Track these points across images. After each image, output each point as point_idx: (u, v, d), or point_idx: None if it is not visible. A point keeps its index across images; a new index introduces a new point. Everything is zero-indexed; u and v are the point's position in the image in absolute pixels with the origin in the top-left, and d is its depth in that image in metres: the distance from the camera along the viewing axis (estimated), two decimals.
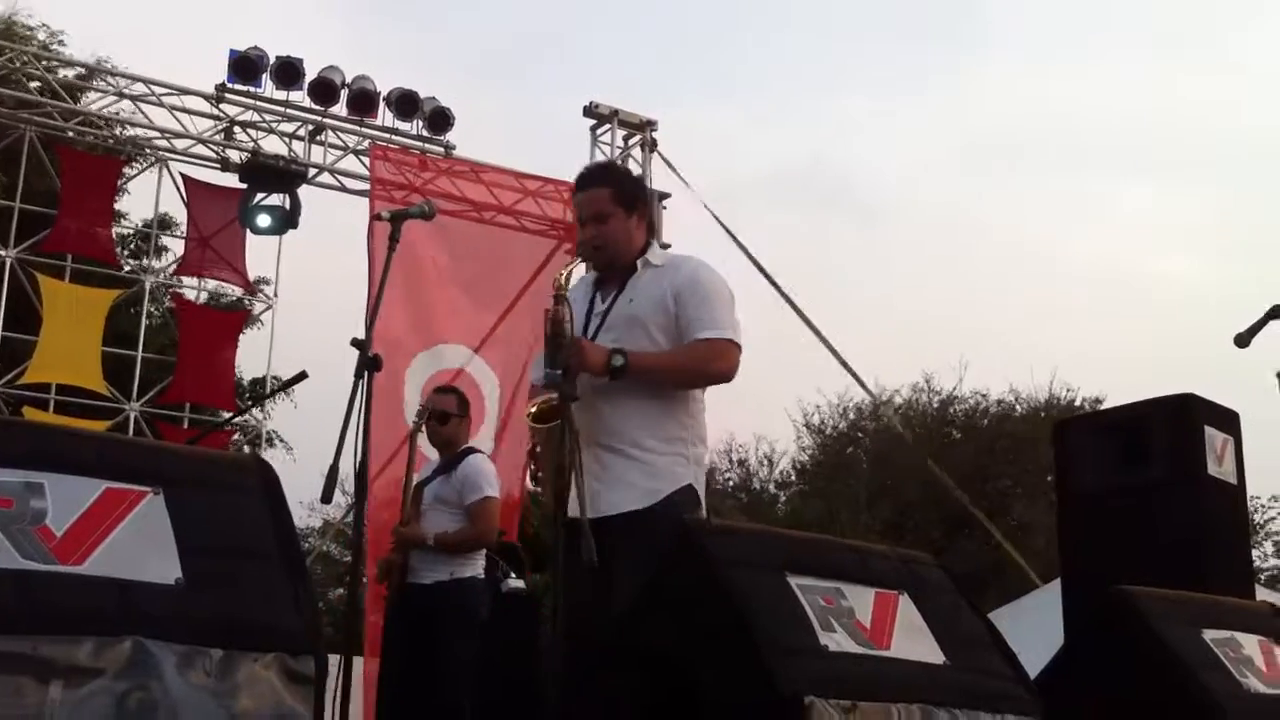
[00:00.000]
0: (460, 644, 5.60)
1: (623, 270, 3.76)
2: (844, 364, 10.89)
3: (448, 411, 5.92)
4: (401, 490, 5.85)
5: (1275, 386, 4.23)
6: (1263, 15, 37.14)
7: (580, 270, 4.05)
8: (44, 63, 11.15)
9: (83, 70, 11.19)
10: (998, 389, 25.04)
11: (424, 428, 5.94)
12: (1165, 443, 5.50)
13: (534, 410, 3.49)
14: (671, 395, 3.67)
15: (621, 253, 3.76)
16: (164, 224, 12.89)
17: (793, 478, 26.67)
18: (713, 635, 3.14)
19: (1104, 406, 19.58)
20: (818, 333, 10.68)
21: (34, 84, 10.68)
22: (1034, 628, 5.33)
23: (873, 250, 39.53)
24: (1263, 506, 23.37)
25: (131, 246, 15.94)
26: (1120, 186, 40.63)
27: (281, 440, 18.54)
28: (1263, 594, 6.96)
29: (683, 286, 3.67)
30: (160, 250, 13.24)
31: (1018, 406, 24.84)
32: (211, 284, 12.92)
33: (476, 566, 5.81)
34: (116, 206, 12.50)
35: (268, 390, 12.39)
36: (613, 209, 3.74)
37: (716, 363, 3.64)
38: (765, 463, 26.60)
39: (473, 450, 5.95)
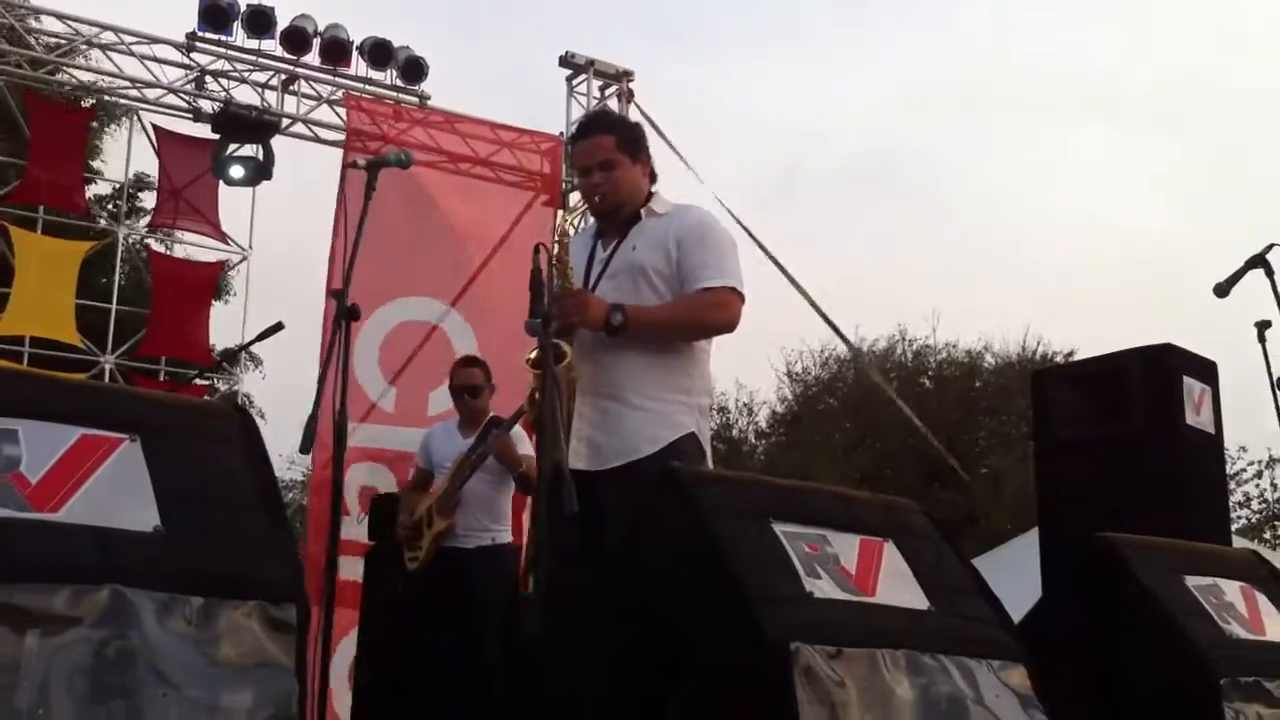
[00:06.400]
0: (499, 608, 5.72)
1: (626, 219, 3.70)
2: (815, 306, 10.88)
3: (478, 385, 6.05)
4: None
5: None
6: None
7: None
8: (10, 11, 10.94)
9: (50, 18, 10.95)
10: (968, 340, 25.05)
11: (459, 404, 6.06)
12: (1143, 392, 5.51)
13: (531, 356, 3.45)
14: (674, 346, 3.63)
15: (627, 201, 3.70)
16: (140, 184, 12.68)
17: (772, 426, 26.60)
18: (697, 583, 3.12)
19: (1077, 358, 19.55)
20: (791, 279, 10.67)
21: None
22: (1010, 578, 5.35)
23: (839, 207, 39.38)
24: (1232, 458, 23.50)
25: (110, 207, 15.70)
26: (1078, 132, 40.65)
27: (252, 405, 18.40)
28: (1238, 544, 6.99)
29: (685, 233, 3.62)
30: (137, 211, 13.07)
31: (989, 357, 24.87)
32: (188, 240, 12.76)
33: (510, 532, 6.01)
34: (93, 165, 12.24)
35: (244, 341, 12.26)
36: (618, 157, 3.67)
37: (718, 313, 3.60)
38: (745, 410, 26.55)
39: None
